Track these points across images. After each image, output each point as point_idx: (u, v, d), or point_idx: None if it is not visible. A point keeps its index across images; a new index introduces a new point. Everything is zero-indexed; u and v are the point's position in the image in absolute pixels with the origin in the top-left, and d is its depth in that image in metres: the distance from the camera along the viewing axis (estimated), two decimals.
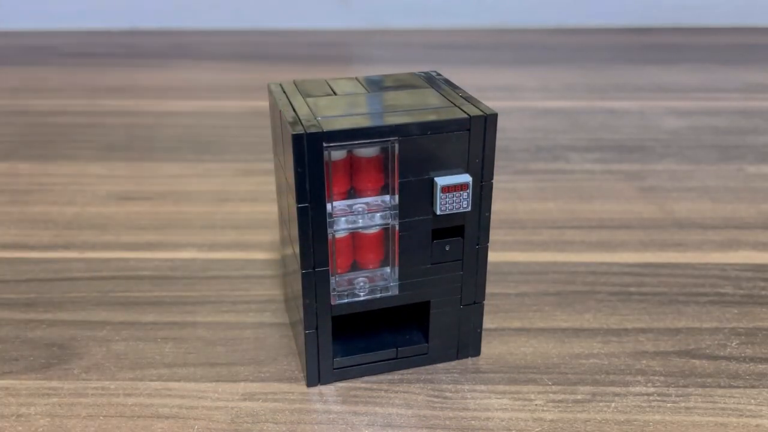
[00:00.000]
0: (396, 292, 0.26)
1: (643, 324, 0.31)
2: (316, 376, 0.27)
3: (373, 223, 0.25)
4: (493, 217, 0.41)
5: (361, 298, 0.26)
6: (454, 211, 0.25)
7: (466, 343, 0.28)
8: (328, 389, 0.27)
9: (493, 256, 0.36)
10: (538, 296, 0.33)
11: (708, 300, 0.32)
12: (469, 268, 0.27)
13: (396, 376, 0.27)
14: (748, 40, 0.87)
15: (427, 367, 0.28)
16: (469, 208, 0.25)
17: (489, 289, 0.33)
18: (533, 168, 0.48)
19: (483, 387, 0.27)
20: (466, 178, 0.25)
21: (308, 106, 0.25)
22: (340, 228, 0.25)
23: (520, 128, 0.56)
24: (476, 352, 0.28)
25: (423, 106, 0.25)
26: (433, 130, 0.24)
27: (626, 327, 0.30)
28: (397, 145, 0.24)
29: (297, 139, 0.23)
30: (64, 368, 0.28)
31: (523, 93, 0.65)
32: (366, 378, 0.27)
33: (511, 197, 0.43)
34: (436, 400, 0.26)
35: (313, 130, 0.23)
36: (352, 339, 0.28)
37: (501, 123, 0.56)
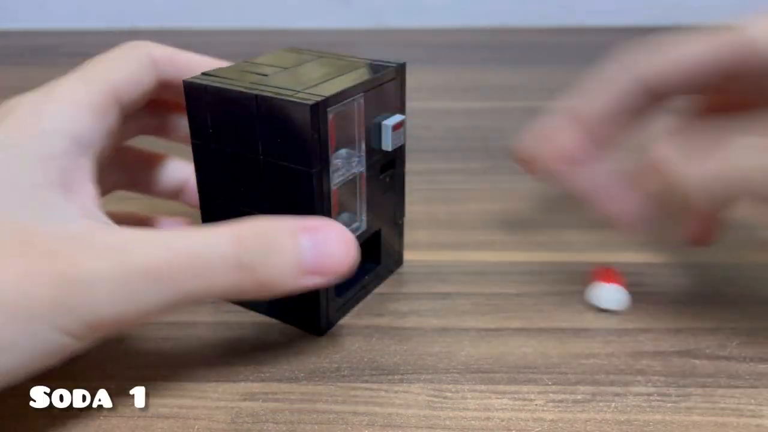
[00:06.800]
0: (364, 227, 0.31)
1: (643, 324, 0.31)
2: (326, 321, 0.30)
3: (350, 172, 0.29)
4: (493, 217, 0.41)
5: None
6: (398, 145, 0.30)
7: (399, 258, 0.35)
8: (328, 389, 0.27)
9: (493, 256, 0.36)
10: (538, 296, 0.33)
11: (708, 300, 0.32)
12: (398, 192, 0.33)
13: (396, 376, 0.27)
14: None
15: (427, 367, 0.28)
16: (405, 142, 0.31)
17: (489, 288, 0.33)
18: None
19: (483, 387, 0.27)
20: (402, 117, 0.30)
21: (270, 85, 0.27)
22: (334, 183, 0.28)
23: (520, 128, 0.55)
24: (401, 262, 0.35)
25: (352, 67, 0.30)
26: (382, 83, 0.29)
27: (626, 327, 0.30)
28: (362, 100, 0.28)
29: (313, 109, 0.25)
30: (65, 368, 0.28)
31: (523, 93, 0.65)
32: (366, 378, 0.27)
33: (511, 197, 0.43)
34: (436, 400, 0.26)
35: (316, 99, 0.25)
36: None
37: (501, 123, 0.56)
